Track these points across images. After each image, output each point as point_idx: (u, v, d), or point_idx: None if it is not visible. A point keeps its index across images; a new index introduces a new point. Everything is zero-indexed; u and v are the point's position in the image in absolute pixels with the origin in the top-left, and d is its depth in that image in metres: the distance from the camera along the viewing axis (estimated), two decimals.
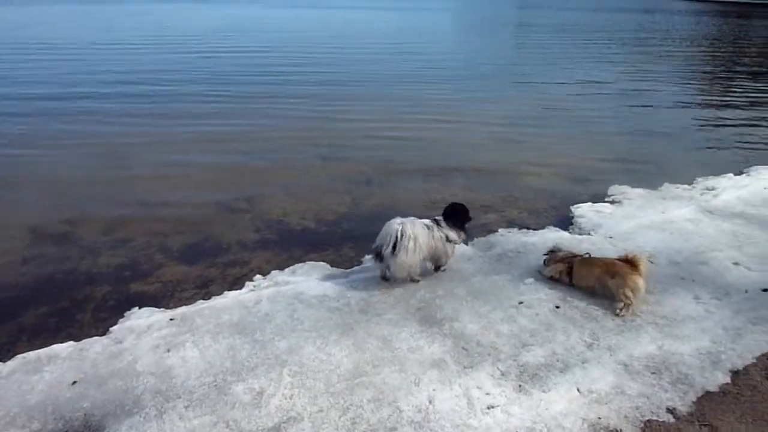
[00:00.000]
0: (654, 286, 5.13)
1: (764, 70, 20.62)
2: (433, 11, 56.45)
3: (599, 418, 3.59)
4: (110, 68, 18.56)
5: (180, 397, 3.76)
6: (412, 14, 51.37)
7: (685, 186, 8.06)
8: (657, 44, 29.30)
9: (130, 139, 10.69)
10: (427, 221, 5.29)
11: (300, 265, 5.74)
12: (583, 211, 7.09)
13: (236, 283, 5.53)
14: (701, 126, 12.38)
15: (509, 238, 6.35)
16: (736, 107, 14.44)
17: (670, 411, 3.65)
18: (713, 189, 7.84)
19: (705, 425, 3.54)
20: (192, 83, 16.19)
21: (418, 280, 5.23)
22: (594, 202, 7.41)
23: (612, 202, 7.48)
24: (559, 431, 3.46)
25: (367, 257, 5.95)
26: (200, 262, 6.04)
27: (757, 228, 6.42)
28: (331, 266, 5.77)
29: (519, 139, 10.93)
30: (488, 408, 3.65)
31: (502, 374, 4.00)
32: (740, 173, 8.73)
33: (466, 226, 5.54)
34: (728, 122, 12.75)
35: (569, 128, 11.85)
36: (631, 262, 4.89)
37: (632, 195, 7.67)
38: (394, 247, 4.97)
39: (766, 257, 5.71)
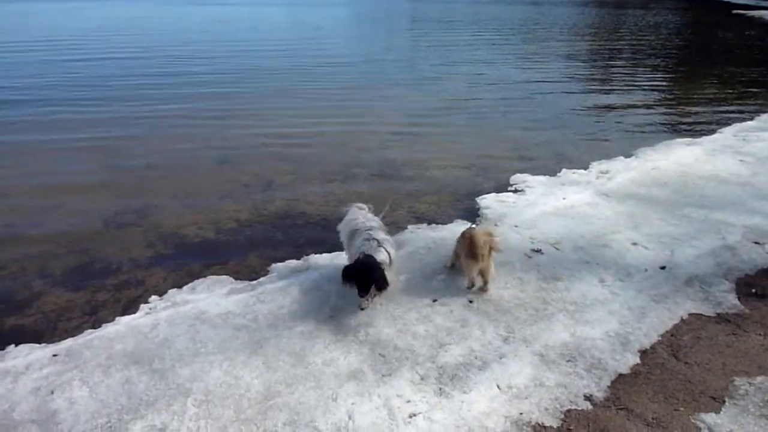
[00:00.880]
0: (562, 273, 5.21)
1: (639, 57, 22.13)
2: (328, 6, 56.00)
3: (521, 413, 3.55)
4: None
5: None
6: (304, 9, 50.66)
7: (582, 171, 8.38)
8: (544, 35, 30.69)
9: None
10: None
11: (200, 280, 5.34)
12: (488, 201, 7.17)
13: (130, 307, 5.04)
14: (590, 112, 13.00)
15: (419, 234, 6.27)
16: (619, 92, 15.33)
17: (588, 398, 3.69)
18: (607, 172, 8.21)
19: (621, 409, 3.60)
20: (70, 88, 14.89)
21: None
22: (498, 192, 7.52)
23: (515, 191, 7.62)
24: None
25: (274, 266, 5.65)
26: (87, 287, 5.46)
27: (650, 208, 6.76)
28: (235, 279, 5.41)
29: (420, 134, 10.94)
30: (410, 416, 3.52)
31: (422, 379, 3.88)
32: (629, 156, 9.21)
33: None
34: (614, 107, 13.49)
35: (468, 121, 12.04)
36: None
37: (533, 183, 7.86)
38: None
39: (660, 235, 6.00)
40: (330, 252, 5.87)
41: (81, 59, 19.57)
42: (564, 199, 7.12)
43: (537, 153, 9.69)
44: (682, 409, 3.60)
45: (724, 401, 3.66)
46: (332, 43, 26.98)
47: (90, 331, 4.61)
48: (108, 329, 4.56)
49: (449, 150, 9.90)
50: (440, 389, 3.76)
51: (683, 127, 11.79)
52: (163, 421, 3.49)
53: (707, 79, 17.70)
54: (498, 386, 3.79)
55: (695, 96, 15.13)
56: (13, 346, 4.40)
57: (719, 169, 8.22)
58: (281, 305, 4.78)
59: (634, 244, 5.82)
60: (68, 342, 4.40)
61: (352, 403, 3.62)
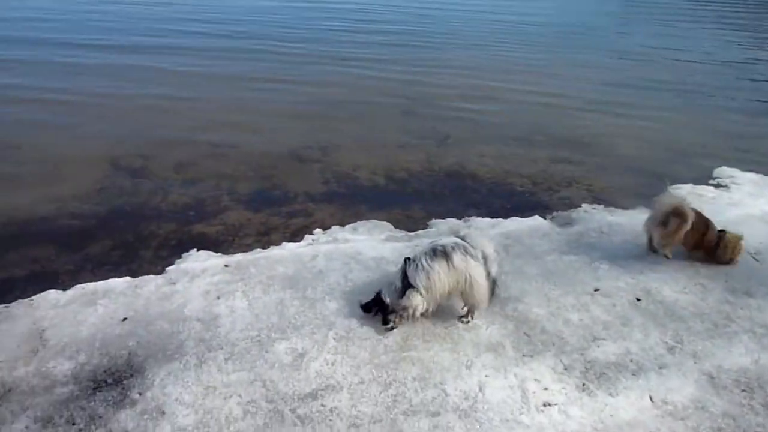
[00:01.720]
0: (756, 289, 4.49)
1: None
2: None
3: None
4: (200, 12, 18.74)
5: (222, 348, 3.65)
6: None
7: None
8: None
9: (208, 74, 10.73)
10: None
11: (363, 222, 5.51)
12: (683, 193, 6.35)
13: (296, 235, 5.37)
14: None
15: (593, 215, 5.80)
16: None
17: None
18: None
19: None
20: (276, 26, 16.03)
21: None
22: (696, 185, 6.64)
23: (717, 186, 6.68)
24: None
25: (434, 221, 5.63)
26: (264, 210, 5.92)
27: None
28: (395, 227, 5.49)
29: (616, 108, 10.02)
30: (544, 405, 3.30)
31: (565, 368, 3.61)
32: None
33: None
34: None
35: (674, 100, 10.75)
36: None
37: (742, 180, 6.81)
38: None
39: None
40: (493, 217, 5.68)
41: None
42: None
43: (753, 146, 8.36)
44: None
45: None
46: (538, 7, 25.63)
47: (259, 250, 5.00)
48: (274, 251, 4.91)
49: (647, 129, 8.95)
50: (583, 384, 3.48)
51: None
52: (305, 347, 3.68)
53: None
54: (651, 398, 3.40)
55: None
56: (195, 250, 4.94)
57: None
58: None
59: None
60: (239, 256, 4.83)
61: (486, 376, 3.50)
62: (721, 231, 4.82)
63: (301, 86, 10.39)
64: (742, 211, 5.88)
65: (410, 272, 3.80)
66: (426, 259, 3.77)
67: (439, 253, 3.79)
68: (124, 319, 3.93)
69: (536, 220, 5.57)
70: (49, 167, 6.64)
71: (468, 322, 3.97)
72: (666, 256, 4.85)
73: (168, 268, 4.61)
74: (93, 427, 3.06)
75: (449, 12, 20.29)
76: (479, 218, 5.62)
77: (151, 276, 4.51)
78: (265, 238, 5.37)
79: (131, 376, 3.42)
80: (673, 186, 6.52)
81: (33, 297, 4.18)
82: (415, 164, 7.20)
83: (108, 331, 3.81)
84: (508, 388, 3.41)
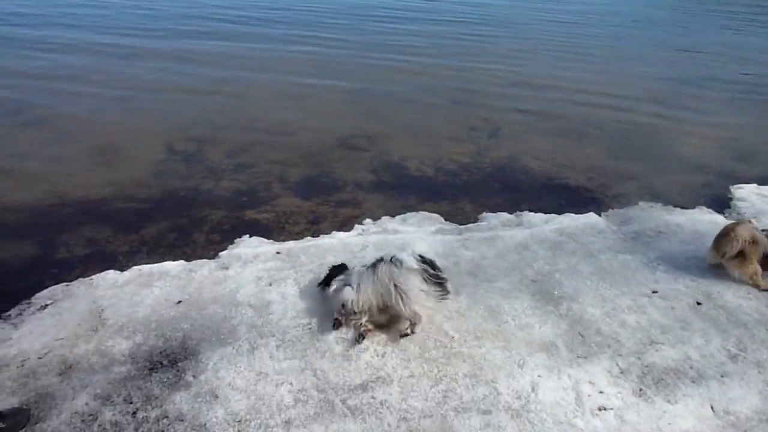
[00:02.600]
0: None
1: None
2: None
3: None
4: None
5: (273, 335, 3.68)
6: None
7: None
8: None
9: (261, 60, 10.83)
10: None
11: (412, 214, 5.47)
12: (746, 193, 6.09)
13: (345, 224, 5.37)
14: None
15: (650, 213, 5.60)
16: None
17: None
18: None
19: None
20: (324, 15, 16.05)
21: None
22: (761, 185, 6.33)
23: None
24: None
25: (485, 215, 5.54)
26: (314, 198, 5.94)
27: None
28: (445, 219, 5.43)
29: (676, 105, 9.64)
30: (599, 409, 3.21)
31: (621, 372, 3.50)
32: None
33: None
34: None
35: (737, 97, 10.27)
36: None
37: None
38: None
39: None
40: (546, 213, 5.54)
41: None
42: None
43: None
44: None
45: None
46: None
47: (309, 238, 5.03)
48: (324, 240, 4.93)
49: (709, 126, 8.59)
50: (640, 390, 3.37)
51: None
52: (353, 337, 3.67)
53: None
54: (712, 407, 3.26)
55: None
56: (247, 236, 5.00)
57: None
58: (485, 256, 4.67)
59: None
60: (290, 243, 4.86)
61: (539, 376, 3.42)
62: None
63: (350, 75, 10.37)
64: None
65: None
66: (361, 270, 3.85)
67: (371, 265, 3.81)
68: (179, 301, 4.01)
69: (591, 217, 5.42)
70: (107, 151, 6.82)
71: (407, 335, 3.67)
72: (758, 287, 4.36)
73: (221, 253, 4.69)
74: (149, 407, 3.13)
75: (501, 3, 19.89)
76: (531, 213, 5.49)
77: (205, 260, 4.60)
78: (315, 227, 5.39)
79: (185, 358, 3.48)
80: (736, 186, 6.26)
81: (93, 276, 4.31)
82: (465, 156, 7.10)
83: (163, 312, 3.89)
84: (561, 390, 3.33)
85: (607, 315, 4.00)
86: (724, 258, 4.34)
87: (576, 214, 5.51)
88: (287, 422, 3.04)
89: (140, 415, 3.08)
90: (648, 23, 17.44)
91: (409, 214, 5.46)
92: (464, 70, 10.90)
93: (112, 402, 3.16)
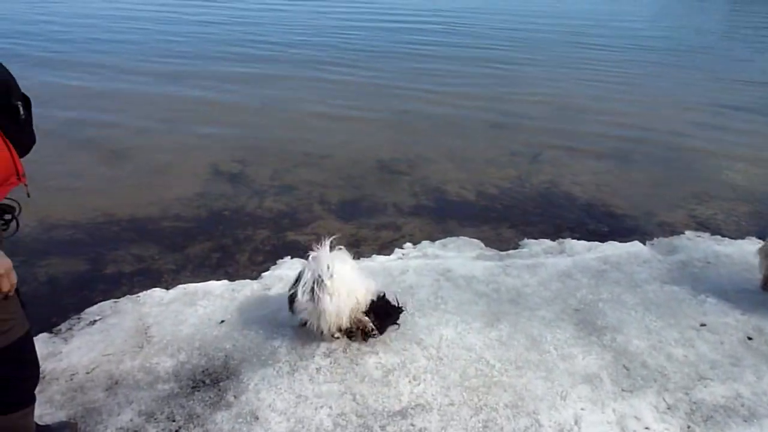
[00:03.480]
0: None
1: None
2: None
3: None
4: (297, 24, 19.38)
5: (313, 358, 3.70)
6: None
7: None
8: None
9: (301, 81, 11.05)
10: None
11: (452, 239, 5.45)
12: None
13: (385, 248, 5.40)
14: None
15: (697, 243, 5.45)
16: None
17: None
18: None
19: None
20: (362, 40, 16.30)
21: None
22: None
23: None
24: None
25: (526, 241, 5.48)
26: (354, 221, 5.99)
27: None
28: (485, 245, 5.39)
29: (724, 125, 9.42)
30: None
31: (668, 408, 3.38)
32: None
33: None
34: None
35: None
36: None
37: None
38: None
39: None
40: (588, 240, 5.45)
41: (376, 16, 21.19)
42: None
43: None
44: None
45: None
46: (634, 26, 24.64)
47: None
48: (364, 263, 4.94)
49: (759, 151, 8.34)
50: (689, 427, 3.25)
51: None
52: (394, 364, 3.64)
53: None
54: None
55: None
56: (288, 257, 5.07)
57: None
58: (527, 283, 4.61)
59: None
60: None
61: (582, 408, 3.34)
62: None
63: (390, 99, 10.49)
64: None
65: None
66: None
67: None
68: (222, 321, 4.07)
69: (636, 246, 5.30)
70: (154, 171, 7.04)
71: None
72: None
73: (263, 274, 4.76)
74: (191, 425, 3.17)
75: (539, 28, 19.87)
76: (574, 240, 5.41)
77: (247, 280, 4.67)
78: (355, 249, 5.41)
79: (227, 378, 3.53)
80: None
81: (139, 294, 4.43)
82: (505, 180, 7.07)
83: (207, 332, 3.96)
84: (605, 424, 3.24)
85: (653, 348, 3.89)
86: None
87: (620, 242, 5.40)
88: None
89: None
90: (695, 47, 17.14)
91: (449, 239, 5.45)
92: (504, 95, 10.90)
93: (155, 419, 3.21)
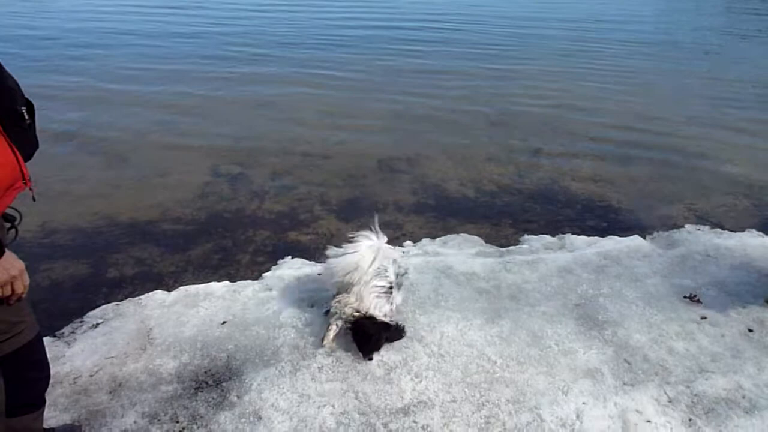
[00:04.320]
0: None
1: None
2: None
3: None
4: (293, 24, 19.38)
5: (315, 357, 3.71)
6: None
7: None
8: None
9: (297, 82, 11.05)
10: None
11: (452, 236, 5.46)
12: None
13: None
14: None
15: (698, 237, 5.45)
16: None
17: None
18: None
19: None
20: (357, 38, 16.29)
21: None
22: None
23: None
24: None
25: (526, 237, 5.50)
26: (355, 220, 6.00)
27: None
28: (486, 242, 5.40)
29: (722, 120, 9.42)
30: None
31: (670, 401, 3.40)
32: None
33: None
34: None
35: None
36: None
37: None
38: None
39: None
40: (588, 235, 5.46)
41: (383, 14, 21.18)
42: None
43: None
44: None
45: None
46: (633, 19, 24.63)
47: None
48: None
49: (758, 145, 8.34)
50: (690, 419, 3.26)
51: None
52: (396, 362, 3.66)
53: None
54: None
55: None
56: (289, 257, 5.08)
57: None
58: (527, 279, 4.63)
59: None
60: None
61: (584, 403, 3.35)
62: None
63: (388, 96, 10.48)
64: None
65: None
66: None
67: None
68: (224, 322, 4.09)
69: (636, 240, 5.31)
70: (154, 174, 7.05)
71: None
72: None
73: (264, 274, 4.77)
74: (195, 426, 3.19)
75: (537, 26, 19.86)
76: (574, 236, 5.42)
77: (249, 281, 4.68)
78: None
79: (230, 378, 3.54)
80: None
81: (141, 296, 4.44)
82: (504, 177, 7.08)
83: (208, 333, 3.97)
84: (608, 418, 3.25)
85: (654, 341, 3.90)
86: None
87: (620, 236, 5.41)
88: None
89: None
90: (693, 46, 17.11)
91: (449, 236, 5.46)
92: (502, 93, 10.89)
93: (159, 420, 3.23)
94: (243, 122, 9.02)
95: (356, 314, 3.66)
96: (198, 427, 3.18)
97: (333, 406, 3.31)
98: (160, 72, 11.95)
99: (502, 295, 4.42)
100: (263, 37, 15.85)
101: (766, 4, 26.77)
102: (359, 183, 6.88)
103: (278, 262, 5.03)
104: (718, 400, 3.43)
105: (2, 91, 2.20)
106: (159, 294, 4.47)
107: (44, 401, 2.64)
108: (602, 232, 5.57)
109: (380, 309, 3.71)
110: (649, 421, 3.24)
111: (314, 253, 5.31)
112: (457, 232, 5.57)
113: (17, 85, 2.30)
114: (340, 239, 5.56)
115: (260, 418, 3.23)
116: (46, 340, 3.85)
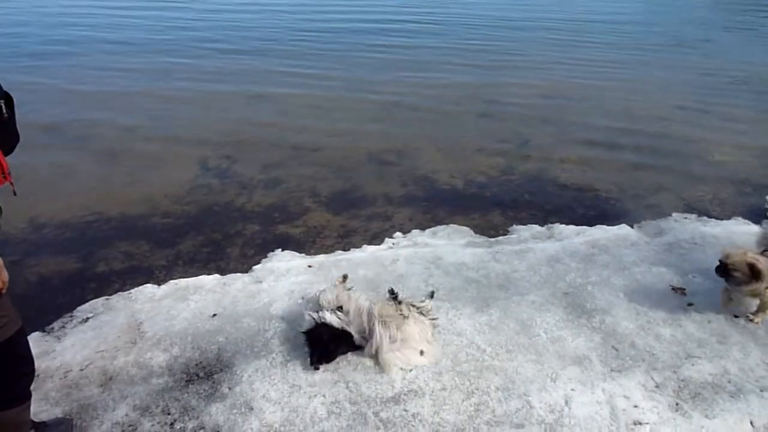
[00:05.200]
0: None
1: None
2: None
3: None
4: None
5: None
6: None
7: None
8: None
9: (289, 74, 11.00)
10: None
11: (442, 227, 5.49)
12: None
13: (376, 238, 5.43)
14: None
15: (684, 225, 5.51)
16: None
17: None
18: None
19: None
20: (348, 32, 16.25)
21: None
22: None
23: None
24: None
25: (515, 227, 5.53)
26: (345, 212, 6.01)
27: None
28: (475, 232, 5.44)
29: (709, 111, 9.49)
30: (635, 424, 3.17)
31: (657, 386, 3.45)
32: None
33: None
34: None
35: None
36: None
37: None
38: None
39: None
40: (577, 225, 5.51)
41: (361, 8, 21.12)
42: None
43: None
44: None
45: None
46: (622, 10, 24.68)
47: (340, 251, 5.09)
48: (355, 254, 4.98)
49: (745, 134, 8.42)
50: (677, 404, 3.31)
51: None
52: None
53: None
54: (752, 423, 3.19)
55: None
56: (279, 250, 5.09)
57: None
58: (516, 269, 4.66)
59: None
60: (321, 257, 4.93)
61: (572, 389, 3.40)
62: None
63: (377, 89, 10.46)
64: None
65: None
66: None
67: None
68: (214, 315, 4.09)
69: (623, 229, 5.36)
70: (143, 168, 7.01)
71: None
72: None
73: (254, 267, 4.78)
74: (186, 418, 3.21)
75: (527, 17, 19.88)
76: (562, 225, 5.46)
77: (239, 274, 4.69)
78: (346, 240, 5.46)
79: (221, 370, 3.56)
80: None
81: (131, 290, 4.44)
82: (494, 168, 7.10)
83: (199, 326, 3.98)
84: (595, 404, 3.30)
85: (642, 328, 3.95)
86: None
87: (608, 225, 5.46)
88: None
89: (178, 425, 3.15)
90: (681, 38, 17.20)
91: (439, 227, 5.49)
92: (491, 85, 10.90)
93: (150, 413, 3.24)
94: (232, 116, 8.98)
95: (314, 317, 3.65)
96: (189, 419, 3.19)
97: (324, 396, 3.33)
98: (148, 67, 11.86)
99: (491, 284, 4.45)
100: (252, 32, 15.75)
101: None
102: (349, 175, 6.88)
103: (268, 254, 5.04)
104: (705, 384, 3.48)
105: None
106: (149, 288, 4.47)
107: (30, 395, 2.65)
108: (590, 221, 5.62)
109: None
110: (636, 407, 3.29)
111: (304, 246, 5.33)
112: (447, 223, 5.60)
113: None
114: (330, 232, 5.63)
115: (252, 408, 3.25)
116: (36, 335, 3.86)
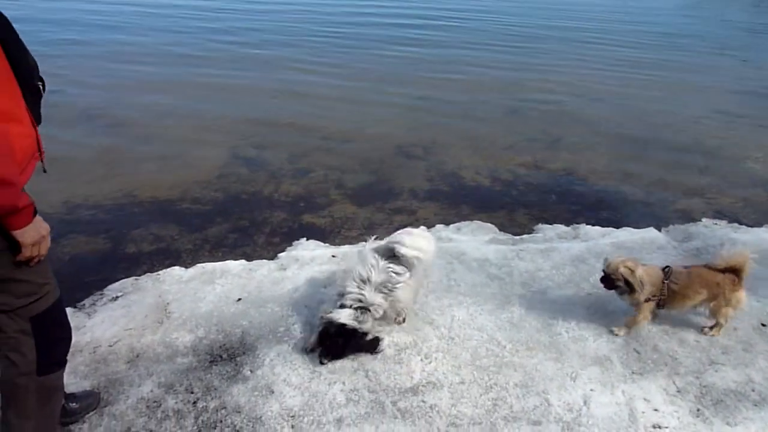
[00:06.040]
0: None
1: None
2: None
3: None
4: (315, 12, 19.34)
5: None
6: None
7: None
8: None
9: (318, 67, 11.07)
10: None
11: (467, 223, 5.50)
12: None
13: None
14: None
15: (714, 231, 5.42)
16: None
17: None
18: None
19: None
20: (378, 27, 16.25)
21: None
22: None
23: None
24: None
25: (540, 226, 5.51)
26: (370, 204, 6.05)
27: None
28: (499, 230, 5.43)
29: (744, 115, 9.29)
30: (653, 427, 3.14)
31: (678, 391, 3.41)
32: None
33: None
34: None
35: None
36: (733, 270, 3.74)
37: None
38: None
39: None
40: (603, 226, 5.46)
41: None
42: None
43: None
44: None
45: None
46: (655, 11, 24.22)
47: (363, 243, 5.10)
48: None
49: None
50: (698, 410, 3.28)
51: None
52: (407, 343, 3.72)
53: None
54: None
55: None
56: (305, 239, 5.16)
57: None
58: (540, 267, 4.65)
59: None
60: (345, 248, 4.98)
61: (591, 390, 3.38)
62: None
63: (406, 84, 10.48)
64: None
65: None
66: None
67: None
68: (239, 299, 4.17)
69: (651, 232, 5.29)
70: (174, 155, 7.15)
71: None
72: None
73: (279, 254, 4.85)
74: (209, 397, 3.28)
75: (561, 16, 19.64)
76: (588, 226, 5.42)
77: (264, 260, 4.77)
78: (370, 232, 5.48)
79: (244, 353, 3.62)
80: None
81: (159, 272, 4.55)
82: (521, 166, 7.07)
83: (224, 309, 4.06)
84: (615, 405, 3.28)
85: (665, 332, 3.90)
86: None
87: (635, 228, 5.41)
88: (339, 420, 3.12)
89: (200, 404, 3.23)
90: (719, 40, 16.83)
91: (463, 223, 5.49)
92: (520, 82, 10.85)
93: (174, 391, 3.32)
94: (262, 106, 9.10)
95: (328, 316, 3.61)
96: (212, 399, 3.26)
97: (343, 383, 3.38)
98: (180, 55, 12.05)
99: (514, 281, 4.44)
100: (285, 27, 15.88)
101: None
102: (375, 168, 6.92)
103: (293, 243, 5.11)
104: (728, 392, 3.43)
105: (26, 67, 2.28)
106: (177, 270, 4.56)
107: (66, 361, 2.74)
108: (617, 223, 5.57)
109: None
110: (656, 410, 3.26)
111: (329, 236, 5.38)
112: (471, 220, 5.60)
113: (35, 62, 2.38)
114: (355, 223, 5.67)
115: (272, 392, 3.30)
116: (68, 310, 3.94)
